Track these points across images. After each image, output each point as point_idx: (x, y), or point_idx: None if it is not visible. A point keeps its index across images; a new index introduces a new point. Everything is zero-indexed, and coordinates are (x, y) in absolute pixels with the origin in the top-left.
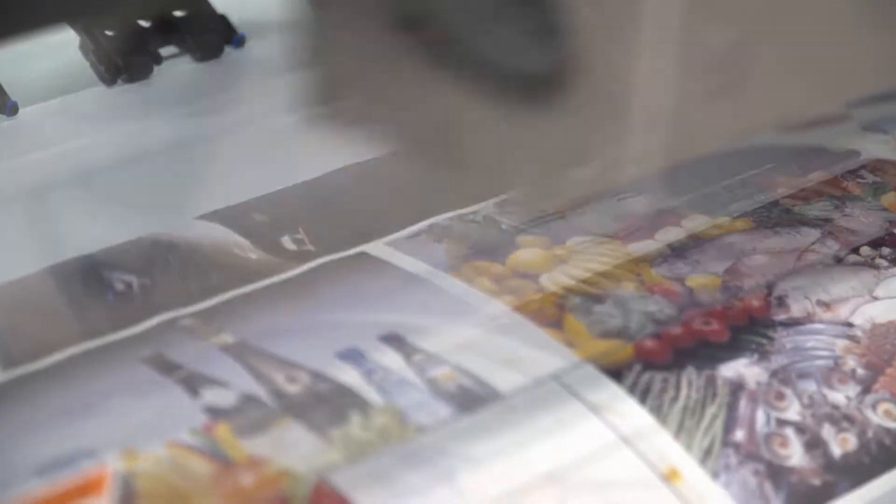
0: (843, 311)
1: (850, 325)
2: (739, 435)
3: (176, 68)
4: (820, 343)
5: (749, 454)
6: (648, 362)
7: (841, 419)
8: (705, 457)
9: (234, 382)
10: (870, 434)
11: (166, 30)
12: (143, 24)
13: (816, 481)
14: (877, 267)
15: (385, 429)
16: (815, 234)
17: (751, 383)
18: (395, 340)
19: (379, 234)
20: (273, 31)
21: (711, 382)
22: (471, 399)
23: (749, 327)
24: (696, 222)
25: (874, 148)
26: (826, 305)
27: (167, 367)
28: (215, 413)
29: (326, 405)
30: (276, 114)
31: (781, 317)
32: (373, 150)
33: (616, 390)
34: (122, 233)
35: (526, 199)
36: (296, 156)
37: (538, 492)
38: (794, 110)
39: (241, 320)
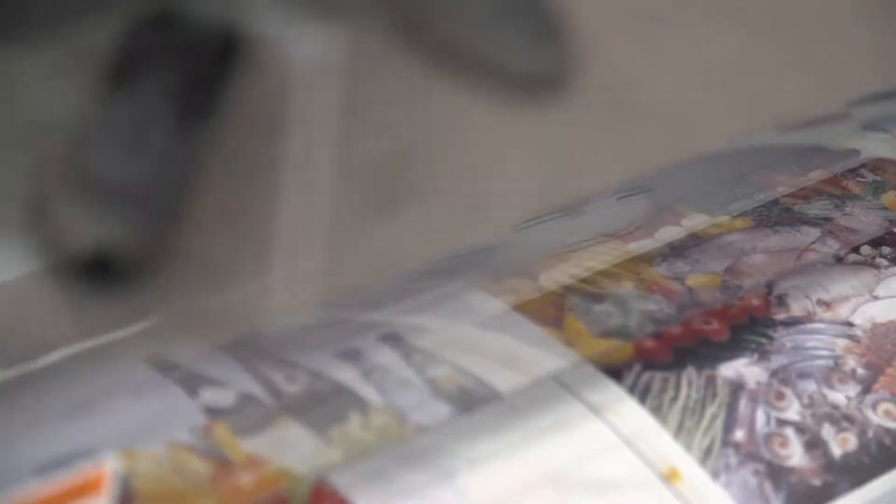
0: (843, 311)
1: (850, 324)
2: (739, 435)
3: None
4: (820, 343)
5: (749, 454)
6: (648, 362)
7: (841, 419)
8: (705, 457)
9: (233, 382)
10: (870, 434)
11: None
12: None
13: (816, 481)
14: (877, 266)
15: (384, 428)
16: (815, 233)
17: (751, 383)
18: (394, 340)
19: None
20: None
21: (711, 382)
22: (470, 399)
23: (749, 327)
24: (696, 221)
25: (874, 147)
26: (826, 305)
27: (166, 367)
28: (214, 413)
29: (325, 405)
30: None
31: (781, 316)
32: None
33: (616, 390)
34: None
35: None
36: None
37: (538, 492)
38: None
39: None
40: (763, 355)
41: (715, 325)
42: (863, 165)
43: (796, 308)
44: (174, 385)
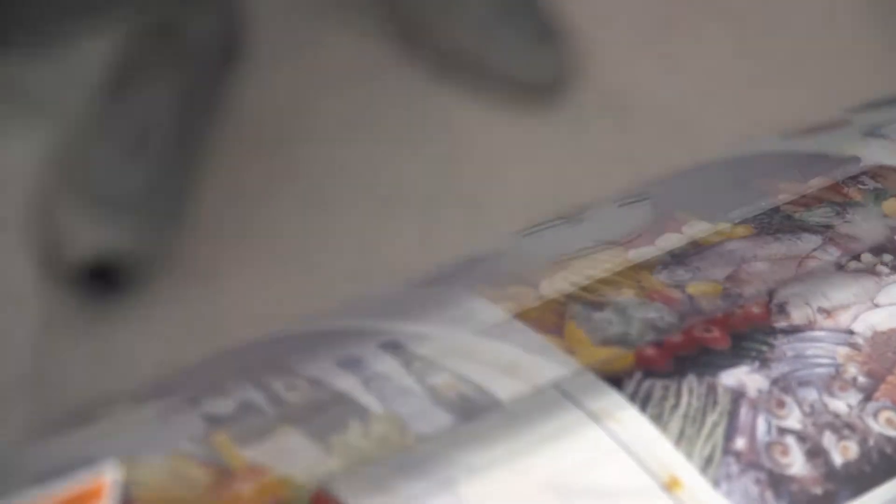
0: (844, 319)
1: (851, 332)
2: (740, 443)
3: None
4: (821, 351)
5: (750, 462)
6: (649, 370)
7: (842, 427)
8: (706, 465)
9: (233, 390)
10: (871, 442)
11: None
12: None
13: (818, 490)
14: (878, 274)
15: (385, 437)
16: (816, 240)
17: (752, 391)
18: (394, 348)
19: None
20: None
21: (712, 390)
22: (471, 407)
23: (750, 335)
24: (697, 228)
25: (875, 154)
26: (827, 313)
27: (164, 375)
28: (214, 421)
29: (326, 413)
30: None
31: (782, 324)
32: None
33: (617, 398)
34: None
35: None
36: None
37: (538, 499)
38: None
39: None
40: (764, 363)
41: (716, 333)
42: (863, 172)
43: (797, 316)
44: (175, 393)
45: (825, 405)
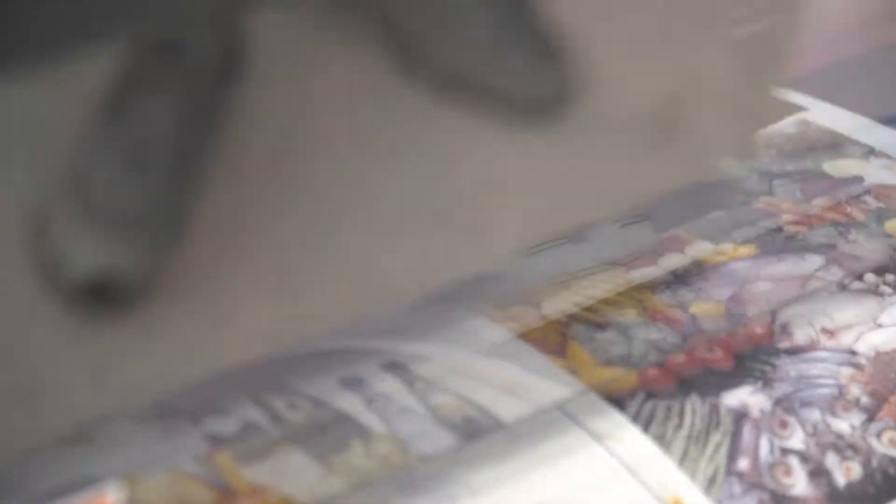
0: (846, 339)
1: (853, 352)
2: (743, 463)
3: None
4: (824, 371)
5: (753, 483)
6: (652, 390)
7: (845, 448)
8: (709, 485)
9: (236, 410)
10: (874, 463)
11: None
12: None
13: None
14: (881, 294)
15: (387, 457)
16: (819, 260)
17: (755, 411)
18: (396, 368)
19: None
20: None
21: (715, 410)
22: (473, 427)
23: (753, 355)
24: (700, 249)
25: (878, 173)
26: (830, 333)
27: (169, 395)
28: (217, 440)
29: (328, 433)
30: None
31: (785, 344)
32: None
33: (619, 418)
34: None
35: None
36: None
37: None
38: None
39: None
40: (767, 384)
41: (719, 354)
42: (867, 192)
43: (800, 336)
44: (177, 413)
45: (828, 425)
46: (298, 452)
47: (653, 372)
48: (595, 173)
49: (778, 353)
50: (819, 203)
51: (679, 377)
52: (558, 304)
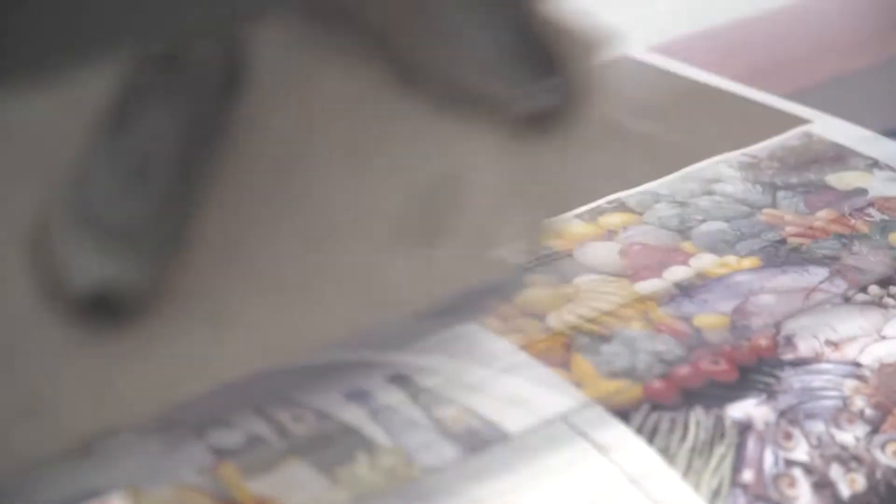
0: (851, 351)
1: (858, 364)
2: (748, 475)
3: None
4: (828, 383)
5: (757, 495)
6: (656, 402)
7: (849, 460)
8: (714, 498)
9: (240, 422)
10: (878, 475)
11: None
12: None
13: None
14: (885, 306)
15: (392, 469)
16: (823, 272)
17: (759, 423)
18: (401, 380)
19: None
20: None
21: (720, 422)
22: (478, 439)
23: (757, 367)
24: (704, 261)
25: (881, 186)
26: (834, 345)
27: (172, 406)
28: (221, 453)
29: (333, 445)
30: None
31: (789, 356)
32: None
33: (624, 430)
34: None
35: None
36: None
37: None
38: None
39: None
40: (771, 396)
41: (723, 366)
42: (870, 204)
43: (804, 348)
44: (180, 425)
45: (832, 437)
46: (303, 465)
47: (657, 384)
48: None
49: (782, 365)
50: (823, 215)
51: (683, 389)
52: (563, 317)
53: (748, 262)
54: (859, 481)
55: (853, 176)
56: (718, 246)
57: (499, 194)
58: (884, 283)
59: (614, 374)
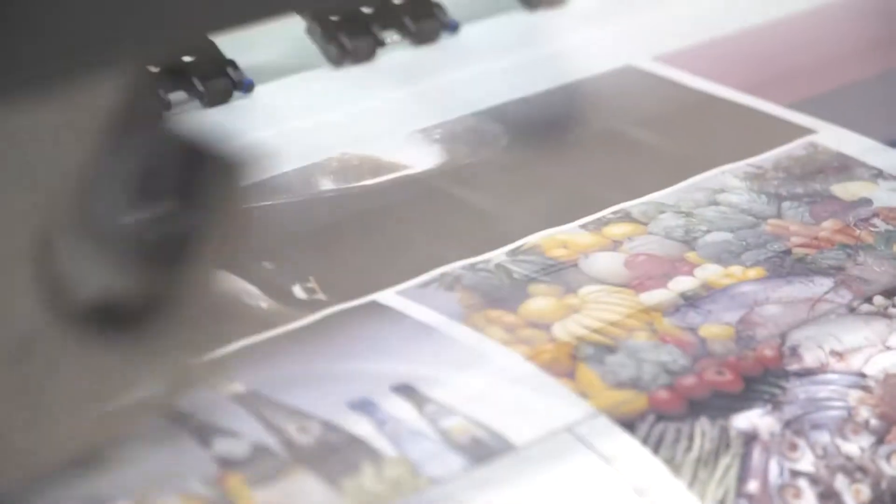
0: (856, 362)
1: (863, 375)
2: (753, 486)
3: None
4: (833, 393)
5: None
6: (662, 413)
7: (854, 470)
8: None
9: (246, 433)
10: (884, 485)
11: (174, 75)
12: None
13: None
14: (890, 317)
15: (398, 480)
16: (827, 283)
17: (764, 434)
18: (407, 391)
19: (390, 283)
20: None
21: (725, 433)
22: (484, 450)
23: (762, 378)
24: (709, 271)
25: (886, 196)
26: (839, 355)
27: (178, 417)
28: (227, 463)
29: (338, 456)
30: None
31: (794, 367)
32: None
33: (629, 441)
34: None
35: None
36: None
37: None
38: None
39: (251, 370)
40: (776, 406)
41: (728, 376)
42: (875, 215)
43: (809, 359)
44: (187, 435)
45: (838, 448)
46: (309, 476)
47: (663, 394)
48: None
49: (787, 375)
50: (828, 225)
51: (689, 400)
52: (568, 327)
53: (753, 273)
54: (864, 492)
55: (858, 186)
56: (723, 256)
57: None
58: (889, 293)
59: (620, 385)
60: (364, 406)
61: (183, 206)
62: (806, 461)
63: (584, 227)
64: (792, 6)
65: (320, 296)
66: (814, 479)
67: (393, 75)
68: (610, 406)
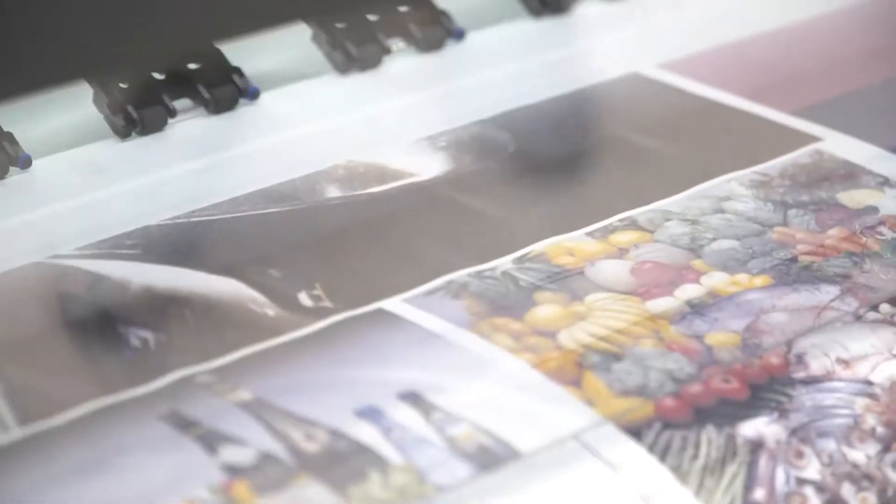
0: (862, 369)
1: (869, 383)
2: (759, 494)
3: (190, 121)
4: (839, 401)
5: None
6: (668, 420)
7: (861, 478)
8: None
9: (252, 440)
10: (890, 493)
11: (180, 82)
12: (157, 76)
13: None
14: None
15: (404, 487)
16: (834, 291)
17: (770, 442)
18: (413, 398)
19: (396, 290)
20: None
21: (731, 441)
22: (490, 458)
23: (769, 385)
24: (716, 279)
25: (893, 204)
26: (845, 363)
27: (184, 424)
28: (233, 471)
29: (345, 463)
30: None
31: (801, 375)
32: None
33: (636, 449)
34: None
35: None
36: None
37: None
38: None
39: (258, 377)
40: (783, 414)
41: (735, 384)
42: (881, 223)
43: (816, 366)
44: (193, 442)
45: (844, 456)
46: (316, 483)
47: (669, 402)
48: None
49: (793, 383)
50: (834, 233)
51: (695, 407)
52: (574, 335)
53: (759, 281)
54: (871, 500)
55: (864, 194)
56: (730, 264)
57: None
58: (895, 301)
59: (626, 393)
60: (370, 413)
61: None
62: (812, 469)
63: (590, 234)
64: (797, 13)
65: (326, 303)
66: (820, 487)
67: (399, 83)
68: (616, 414)
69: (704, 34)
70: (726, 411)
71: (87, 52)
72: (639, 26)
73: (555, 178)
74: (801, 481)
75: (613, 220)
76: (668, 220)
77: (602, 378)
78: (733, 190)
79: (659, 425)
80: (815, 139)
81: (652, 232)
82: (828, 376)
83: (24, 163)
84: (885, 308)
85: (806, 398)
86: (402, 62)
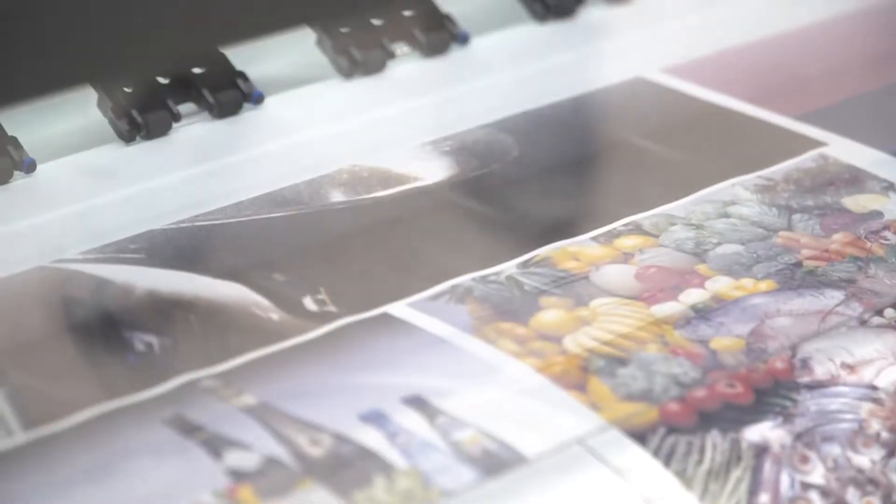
0: (866, 374)
1: (874, 387)
2: (764, 499)
3: (194, 125)
4: (844, 406)
5: None
6: (673, 425)
7: (865, 483)
8: None
9: (257, 445)
10: (894, 497)
11: (184, 87)
12: (162, 80)
13: None
14: None
15: (409, 492)
16: (838, 295)
17: (775, 446)
18: (418, 403)
19: (401, 295)
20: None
21: (736, 445)
22: (495, 463)
23: (773, 390)
24: (720, 284)
25: None
26: (850, 368)
27: (188, 429)
28: (238, 476)
29: (349, 468)
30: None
31: (805, 379)
32: None
33: (641, 453)
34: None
35: None
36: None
37: None
38: None
39: (262, 382)
40: (787, 419)
41: (739, 389)
42: (886, 227)
43: (820, 371)
44: (197, 447)
45: (848, 460)
46: (320, 488)
47: (674, 407)
48: None
49: (798, 388)
50: (838, 238)
51: (700, 412)
52: (579, 339)
53: (764, 285)
54: None
55: (869, 198)
56: (734, 269)
57: None
58: None
59: (631, 397)
60: (375, 418)
61: None
62: (817, 474)
63: (594, 239)
64: (801, 18)
65: (331, 308)
66: (825, 492)
67: (403, 87)
68: (621, 418)
69: (708, 39)
70: (731, 416)
71: (92, 56)
72: (643, 31)
73: (559, 182)
74: (806, 486)
75: (618, 224)
76: (672, 224)
77: (607, 383)
78: (738, 194)
79: (664, 430)
80: (819, 144)
81: (656, 236)
82: (832, 381)
83: (29, 167)
84: (890, 313)
85: (811, 403)
86: (407, 67)
